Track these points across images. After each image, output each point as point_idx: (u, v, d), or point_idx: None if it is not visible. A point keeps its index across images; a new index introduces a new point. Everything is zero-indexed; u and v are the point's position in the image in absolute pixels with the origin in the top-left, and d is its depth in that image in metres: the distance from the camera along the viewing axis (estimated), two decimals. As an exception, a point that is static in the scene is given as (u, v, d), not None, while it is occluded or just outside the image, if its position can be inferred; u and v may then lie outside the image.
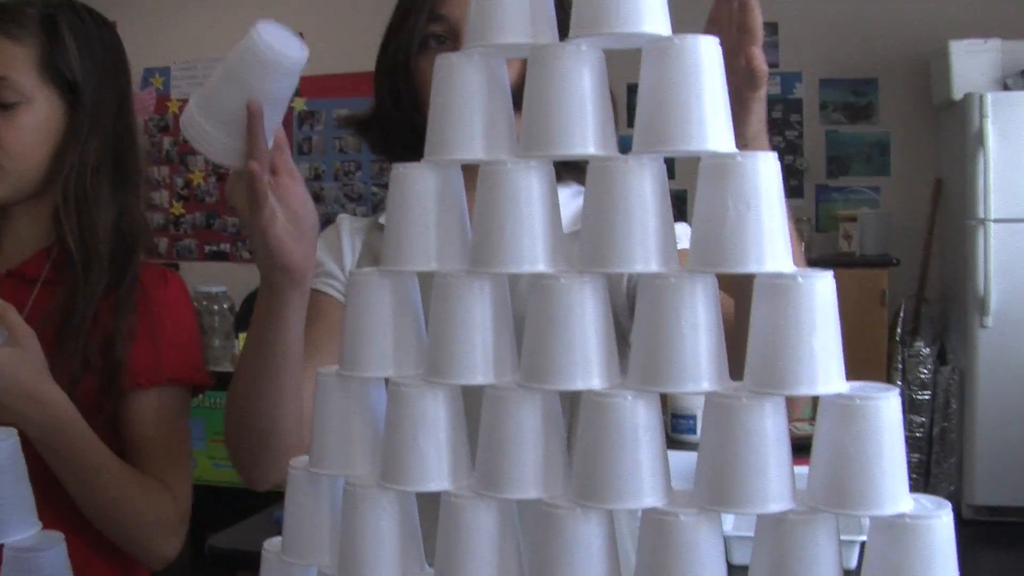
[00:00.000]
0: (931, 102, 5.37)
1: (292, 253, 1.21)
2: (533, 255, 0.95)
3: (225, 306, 4.39)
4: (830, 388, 0.89)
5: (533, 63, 0.96)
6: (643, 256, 0.92)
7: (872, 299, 5.00)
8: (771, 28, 5.51)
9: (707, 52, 0.92)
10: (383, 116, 1.50)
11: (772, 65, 5.49)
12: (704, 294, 0.92)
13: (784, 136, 5.66)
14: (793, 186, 5.57)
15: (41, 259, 1.56)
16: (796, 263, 0.93)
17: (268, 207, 1.17)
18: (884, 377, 4.95)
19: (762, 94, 1.15)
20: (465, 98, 0.98)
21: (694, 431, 2.82)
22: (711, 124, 0.91)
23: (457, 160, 1.00)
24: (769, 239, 0.90)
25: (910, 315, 5.30)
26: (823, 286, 0.89)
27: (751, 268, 0.90)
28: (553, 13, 0.98)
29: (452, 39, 1.40)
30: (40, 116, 1.51)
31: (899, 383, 4.98)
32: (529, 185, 0.95)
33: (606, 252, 0.93)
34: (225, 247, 6.83)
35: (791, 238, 1.12)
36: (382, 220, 1.47)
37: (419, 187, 1.00)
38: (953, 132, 5.05)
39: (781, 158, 0.94)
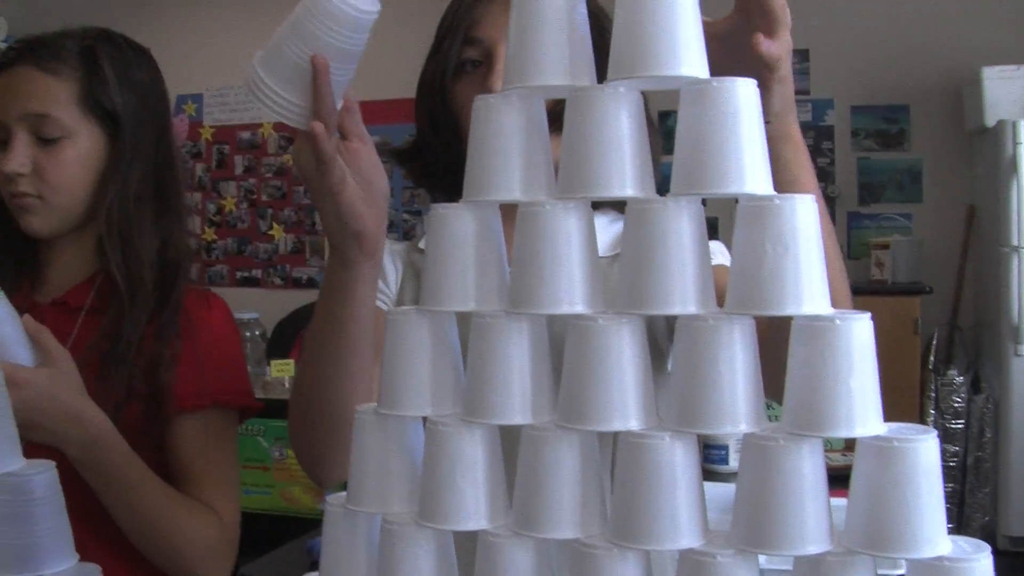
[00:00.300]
0: (963, 129, 5.36)
1: (364, 219, 1.17)
2: (571, 296, 0.95)
3: (257, 333, 4.41)
4: (868, 430, 0.89)
5: (572, 105, 0.97)
6: (681, 298, 0.92)
7: (905, 327, 4.97)
8: (802, 55, 5.51)
9: (744, 94, 0.93)
10: (424, 145, 1.50)
11: (803, 92, 5.54)
12: (742, 336, 0.92)
13: (815, 163, 5.66)
14: (825, 213, 5.56)
15: (85, 288, 1.56)
16: (842, 298, 0.92)
17: (337, 170, 1.13)
18: (917, 405, 4.92)
19: (781, 75, 1.14)
20: (503, 139, 0.99)
21: (726, 461, 2.83)
22: (749, 166, 0.92)
23: (495, 201, 1.01)
24: (807, 281, 0.90)
25: (943, 343, 5.27)
26: (861, 328, 0.89)
27: (789, 310, 0.90)
28: (592, 55, 0.99)
29: (487, 62, 1.40)
30: (82, 149, 1.52)
31: (932, 412, 4.95)
32: (567, 226, 0.96)
33: (644, 293, 0.93)
34: (257, 273, 6.88)
35: (837, 270, 1.12)
36: (421, 244, 1.46)
37: (457, 228, 1.00)
38: (986, 159, 5.04)
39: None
